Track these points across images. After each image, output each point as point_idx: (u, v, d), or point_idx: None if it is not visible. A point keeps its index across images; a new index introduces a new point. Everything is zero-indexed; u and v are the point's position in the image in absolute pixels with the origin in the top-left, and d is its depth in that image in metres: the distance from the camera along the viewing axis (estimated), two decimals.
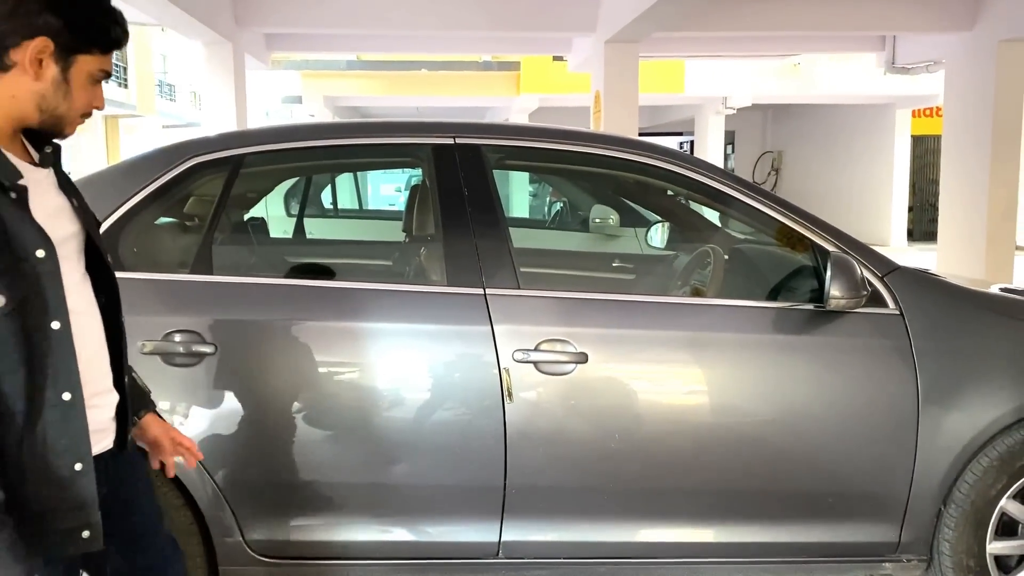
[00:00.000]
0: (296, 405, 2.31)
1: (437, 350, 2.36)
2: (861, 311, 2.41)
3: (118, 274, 1.61)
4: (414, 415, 2.34)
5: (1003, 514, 2.47)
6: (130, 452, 1.63)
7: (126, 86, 19.75)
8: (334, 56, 14.50)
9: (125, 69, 19.78)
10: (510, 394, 2.31)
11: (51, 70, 1.37)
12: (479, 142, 2.52)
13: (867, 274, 2.43)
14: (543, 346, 2.31)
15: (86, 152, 18.97)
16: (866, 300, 2.37)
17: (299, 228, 4.47)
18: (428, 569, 2.43)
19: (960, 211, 7.92)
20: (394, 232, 4.16)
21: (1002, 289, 2.90)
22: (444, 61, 15.26)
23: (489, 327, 2.32)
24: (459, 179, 2.46)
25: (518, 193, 11.77)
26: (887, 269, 2.50)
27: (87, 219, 1.50)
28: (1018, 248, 8.60)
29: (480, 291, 2.35)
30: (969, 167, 7.76)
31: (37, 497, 1.34)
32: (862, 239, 2.58)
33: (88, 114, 1.47)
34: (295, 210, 4.99)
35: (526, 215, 11.34)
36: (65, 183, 1.50)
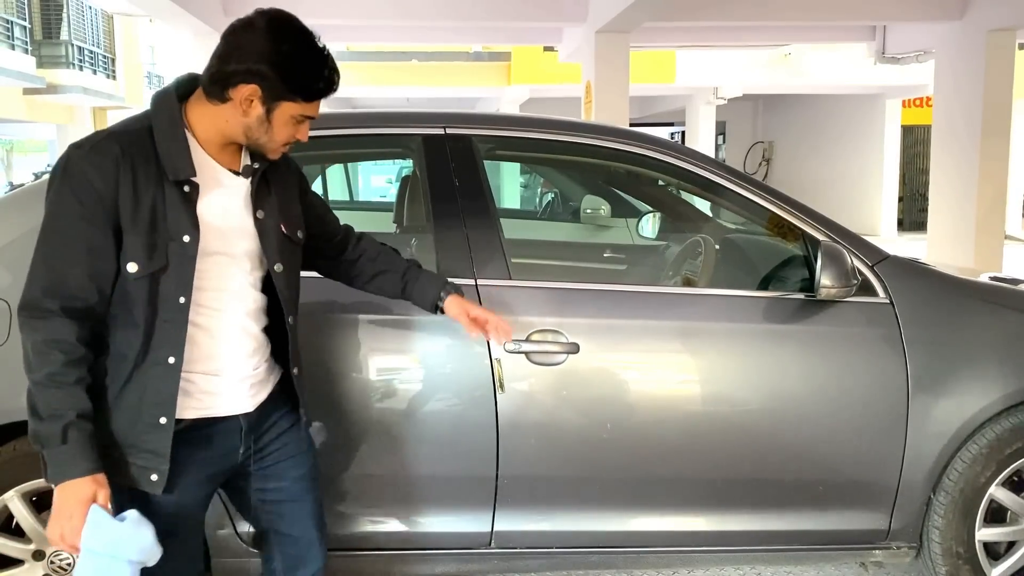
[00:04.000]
0: None
1: (429, 341, 2.35)
2: (851, 300, 2.42)
3: None
4: (406, 406, 2.33)
5: (992, 501, 2.49)
6: (292, 426, 1.86)
7: (114, 77, 19.58)
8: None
9: (113, 60, 19.58)
10: (502, 385, 2.31)
11: (257, 110, 1.61)
12: (470, 132, 2.51)
13: (857, 263, 2.43)
14: (534, 337, 2.31)
15: None
16: (856, 289, 2.37)
17: None
18: (420, 559, 2.43)
19: (950, 200, 7.95)
20: (385, 223, 4.15)
21: (991, 278, 2.92)
22: (434, 52, 15.21)
23: None
24: (450, 170, 2.46)
25: (509, 184, 11.75)
26: (877, 258, 2.51)
27: (268, 230, 1.72)
28: (1007, 237, 8.64)
29: (471, 282, 2.34)
30: (959, 157, 7.78)
31: (124, 433, 1.60)
32: (852, 229, 2.58)
33: (290, 144, 1.71)
34: None
35: (517, 206, 11.32)
36: (262, 198, 1.73)
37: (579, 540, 2.45)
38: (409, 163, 3.01)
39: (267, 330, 1.80)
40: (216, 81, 1.60)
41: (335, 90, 1.69)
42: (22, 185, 2.64)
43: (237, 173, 1.70)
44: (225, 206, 1.67)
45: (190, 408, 1.66)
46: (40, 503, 2.29)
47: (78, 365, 1.52)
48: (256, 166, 1.73)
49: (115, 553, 1.51)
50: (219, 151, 1.67)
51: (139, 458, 1.61)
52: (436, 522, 2.41)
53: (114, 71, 19.78)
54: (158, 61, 24.26)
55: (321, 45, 1.63)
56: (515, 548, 2.43)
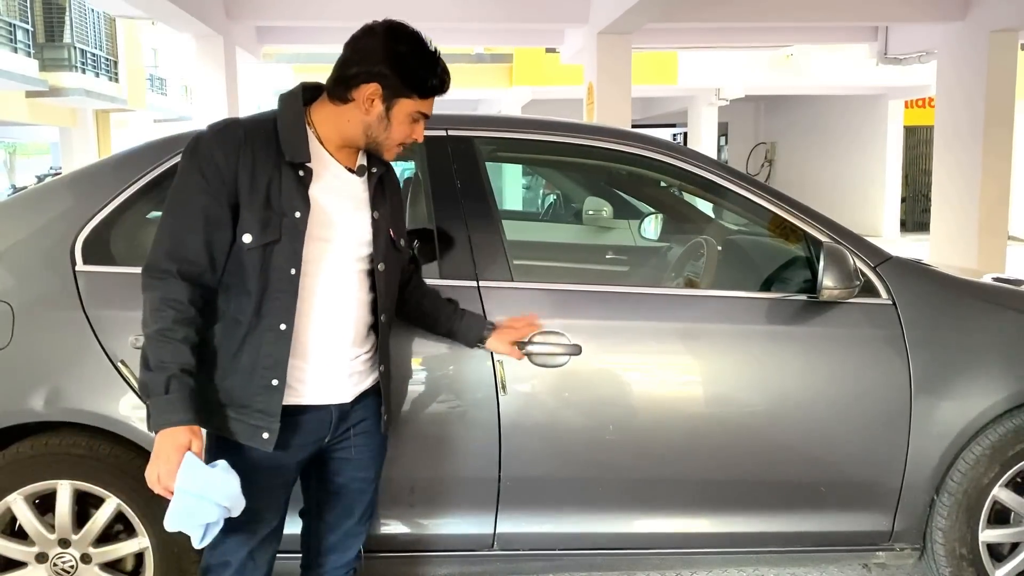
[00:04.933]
0: None
1: (431, 343, 2.35)
2: (854, 301, 2.41)
3: (110, 269, 1.67)
4: (408, 407, 2.33)
5: (995, 502, 2.48)
6: (375, 429, 1.96)
7: (117, 80, 19.60)
8: (325, 49, 14.44)
9: (115, 63, 19.60)
10: (504, 386, 2.31)
11: (378, 108, 1.76)
12: (471, 134, 2.51)
13: (860, 264, 2.43)
14: (537, 338, 2.31)
15: (77, 146, 18.83)
16: (859, 290, 2.37)
17: None
18: (422, 561, 2.43)
19: (952, 201, 7.94)
20: None
21: (994, 279, 2.91)
22: None
23: None
24: (452, 172, 2.46)
25: (511, 185, 11.76)
26: (880, 259, 2.50)
27: (380, 231, 1.85)
28: (1010, 238, 8.63)
29: (474, 284, 2.35)
30: (961, 157, 7.78)
31: (239, 393, 1.74)
32: (855, 229, 2.58)
33: (406, 144, 1.83)
34: None
35: (519, 207, 11.32)
36: (378, 200, 1.87)
37: (582, 542, 2.45)
38: (411, 165, 3.01)
39: (374, 327, 1.92)
40: (340, 83, 1.76)
41: (447, 89, 1.80)
42: (25, 188, 2.64)
43: (352, 171, 1.83)
44: (335, 197, 1.79)
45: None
46: (42, 505, 2.29)
47: (186, 324, 1.66)
48: (374, 170, 1.86)
49: (205, 495, 1.62)
50: (337, 150, 1.81)
51: (252, 417, 1.74)
52: (438, 524, 2.41)
53: (117, 74, 19.79)
54: (160, 64, 24.29)
55: (433, 48, 1.76)
56: (518, 550, 2.43)
